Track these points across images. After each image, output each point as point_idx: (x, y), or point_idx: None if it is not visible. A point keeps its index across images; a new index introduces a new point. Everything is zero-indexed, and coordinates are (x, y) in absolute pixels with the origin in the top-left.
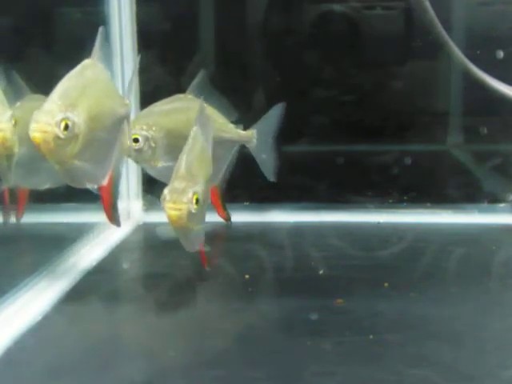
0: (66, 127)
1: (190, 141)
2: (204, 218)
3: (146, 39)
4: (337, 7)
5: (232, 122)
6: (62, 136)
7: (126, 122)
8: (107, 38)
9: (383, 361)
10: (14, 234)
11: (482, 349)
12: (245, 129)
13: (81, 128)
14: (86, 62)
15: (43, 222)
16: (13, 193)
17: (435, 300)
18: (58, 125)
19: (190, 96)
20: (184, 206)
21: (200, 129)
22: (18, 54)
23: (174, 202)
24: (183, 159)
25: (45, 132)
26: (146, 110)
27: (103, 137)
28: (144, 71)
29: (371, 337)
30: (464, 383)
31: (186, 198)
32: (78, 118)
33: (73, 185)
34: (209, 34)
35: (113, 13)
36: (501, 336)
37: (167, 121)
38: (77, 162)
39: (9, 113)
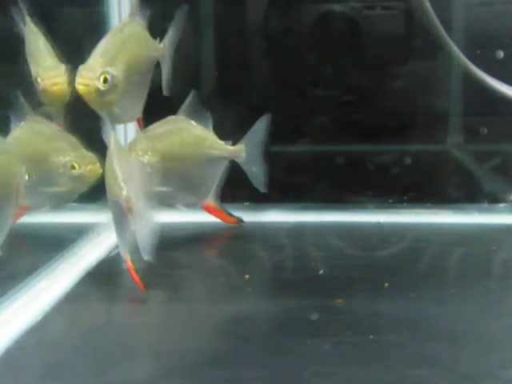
0: (106, 80)
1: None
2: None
3: None
4: (337, 7)
5: (220, 139)
6: (102, 88)
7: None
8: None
9: (383, 361)
10: (14, 234)
11: (482, 349)
12: (233, 144)
13: (120, 78)
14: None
15: (43, 222)
16: None
17: (435, 300)
18: (98, 79)
19: (181, 117)
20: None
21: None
22: (18, 54)
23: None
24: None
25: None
26: (139, 136)
27: (139, 80)
28: None
29: (371, 337)
30: (464, 383)
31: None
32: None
33: (117, 123)
34: (209, 34)
35: (113, 13)
36: (501, 336)
37: (162, 145)
38: (116, 106)
39: (63, 66)
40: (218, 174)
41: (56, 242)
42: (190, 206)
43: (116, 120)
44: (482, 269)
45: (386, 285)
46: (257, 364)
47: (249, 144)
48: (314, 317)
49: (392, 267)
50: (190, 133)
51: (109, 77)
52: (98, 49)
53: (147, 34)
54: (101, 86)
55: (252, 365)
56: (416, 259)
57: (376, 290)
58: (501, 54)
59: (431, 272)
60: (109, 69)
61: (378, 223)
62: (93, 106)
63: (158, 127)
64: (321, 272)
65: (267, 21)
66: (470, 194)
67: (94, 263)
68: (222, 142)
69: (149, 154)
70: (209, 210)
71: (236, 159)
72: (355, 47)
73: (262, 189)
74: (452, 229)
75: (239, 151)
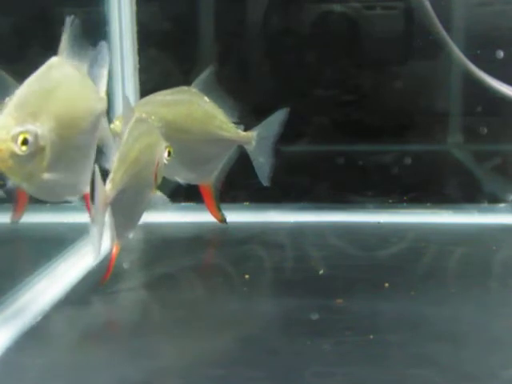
0: (25, 142)
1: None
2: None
3: (145, 39)
4: (337, 7)
5: (233, 122)
6: (20, 152)
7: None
8: (107, 37)
9: (383, 361)
10: (15, 234)
11: (483, 349)
12: (245, 130)
13: (47, 139)
14: (53, 60)
15: (43, 222)
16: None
17: (435, 300)
18: (14, 140)
19: (194, 90)
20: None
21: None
22: (18, 54)
23: None
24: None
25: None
26: (147, 98)
27: (79, 141)
28: (144, 71)
29: (371, 337)
30: (464, 383)
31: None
32: (42, 129)
33: (48, 200)
34: (209, 34)
35: (113, 13)
36: (501, 336)
37: (166, 111)
38: (47, 176)
39: None
40: (223, 156)
41: (56, 242)
42: (189, 181)
43: (48, 195)
44: (482, 269)
45: (386, 285)
46: (257, 364)
47: (261, 133)
48: (314, 317)
49: (392, 267)
50: (199, 107)
51: (29, 137)
52: (13, 100)
53: (87, 80)
54: (18, 149)
55: (252, 365)
56: (416, 259)
57: (376, 290)
58: (501, 53)
59: (431, 272)
60: (29, 126)
61: (378, 223)
62: (13, 178)
63: (168, 95)
64: (321, 272)
65: (267, 21)
66: (470, 194)
67: (93, 263)
68: (232, 125)
69: (152, 118)
70: (204, 194)
71: (245, 145)
72: (355, 47)
73: (266, 182)
74: (452, 229)
75: (250, 138)
